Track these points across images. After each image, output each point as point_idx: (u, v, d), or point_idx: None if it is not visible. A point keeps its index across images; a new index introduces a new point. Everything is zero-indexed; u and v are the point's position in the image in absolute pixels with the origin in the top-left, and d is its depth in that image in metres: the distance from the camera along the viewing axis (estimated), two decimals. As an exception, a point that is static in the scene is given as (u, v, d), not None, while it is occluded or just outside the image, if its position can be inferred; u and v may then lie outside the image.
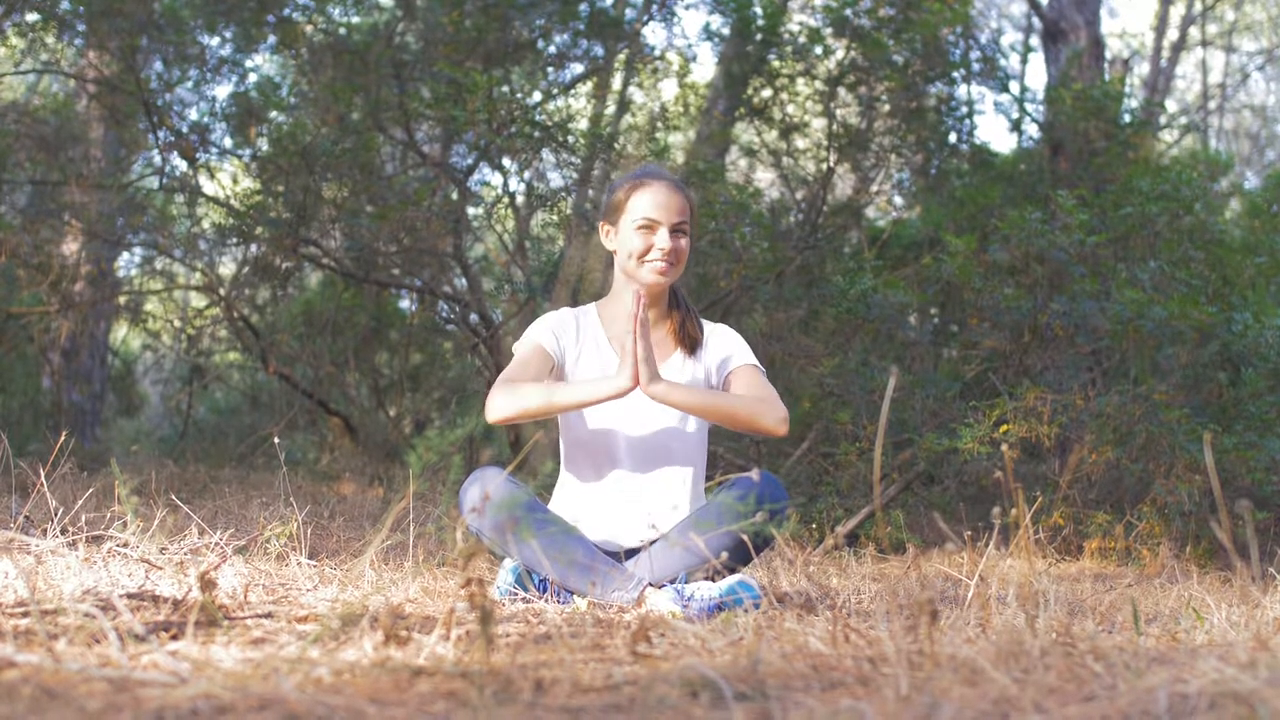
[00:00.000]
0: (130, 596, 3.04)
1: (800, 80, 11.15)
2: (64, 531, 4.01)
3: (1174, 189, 8.78)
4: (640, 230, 4.39)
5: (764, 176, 13.39)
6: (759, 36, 10.95)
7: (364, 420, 11.86)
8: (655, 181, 4.48)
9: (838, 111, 11.00)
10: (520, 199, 10.55)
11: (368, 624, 2.65)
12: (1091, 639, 2.76)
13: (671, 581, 4.04)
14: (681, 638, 2.87)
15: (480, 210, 10.92)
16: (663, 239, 4.38)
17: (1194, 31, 23.79)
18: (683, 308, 4.67)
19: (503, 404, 4.18)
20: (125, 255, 13.27)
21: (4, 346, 11.76)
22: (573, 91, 11.98)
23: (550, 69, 11.65)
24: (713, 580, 4.00)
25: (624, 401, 4.30)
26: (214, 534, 4.03)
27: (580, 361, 4.48)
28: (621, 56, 12.10)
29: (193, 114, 11.19)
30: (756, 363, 4.54)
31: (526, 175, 10.45)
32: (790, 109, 11.39)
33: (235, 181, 11.37)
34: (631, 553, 4.31)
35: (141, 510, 4.03)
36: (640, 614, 3.61)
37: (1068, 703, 2.20)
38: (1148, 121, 12.23)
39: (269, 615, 3.05)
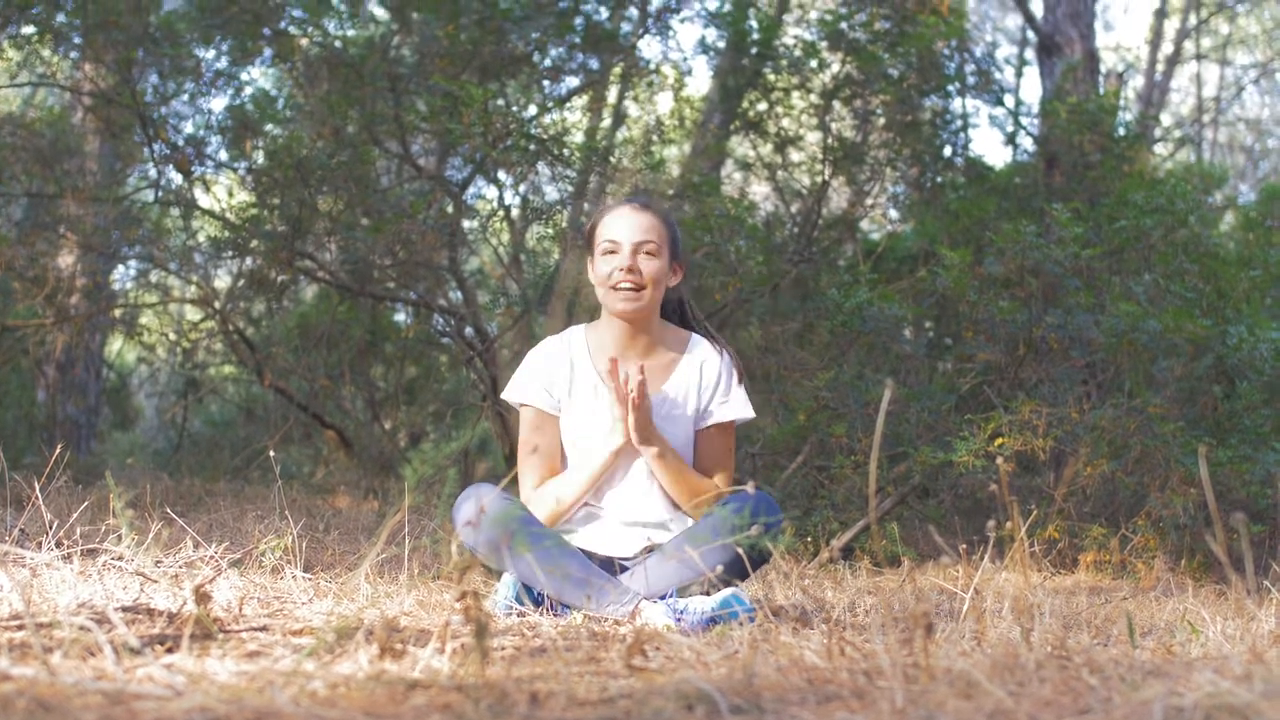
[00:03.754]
0: (125, 610, 3.04)
1: (795, 94, 11.17)
2: (59, 545, 4.01)
3: (1168, 202, 8.79)
4: (604, 255, 4.42)
5: (759, 190, 13.40)
6: (754, 50, 10.97)
7: (359, 433, 11.85)
8: (621, 206, 4.51)
9: (832, 125, 11.00)
10: (516, 212, 10.55)
11: (363, 637, 2.66)
12: (1087, 652, 2.76)
13: (665, 596, 4.05)
14: (677, 651, 2.87)
15: (476, 223, 10.94)
16: (622, 259, 4.37)
17: (1188, 45, 23.83)
18: (689, 322, 4.70)
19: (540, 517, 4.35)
20: (120, 268, 13.27)
21: (-1, 359, 11.75)
22: (568, 105, 11.99)
23: (546, 82, 11.65)
24: (707, 595, 4.01)
25: (614, 415, 4.34)
26: (209, 547, 4.03)
27: (574, 397, 4.50)
28: (617, 70, 12.11)
29: (188, 127, 11.19)
30: (736, 416, 4.59)
31: (522, 188, 10.45)
32: (785, 122, 11.41)
33: (230, 194, 11.37)
34: (626, 565, 4.32)
35: (136, 523, 4.03)
36: (635, 627, 3.61)
37: (1063, 716, 2.20)
38: (1142, 135, 12.25)
39: (264, 628, 3.05)
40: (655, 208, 4.51)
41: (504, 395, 4.61)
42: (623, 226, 4.41)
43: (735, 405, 4.55)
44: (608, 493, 4.44)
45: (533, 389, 4.50)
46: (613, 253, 4.39)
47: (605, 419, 4.41)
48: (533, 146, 9.29)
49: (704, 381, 4.53)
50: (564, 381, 4.49)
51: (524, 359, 4.61)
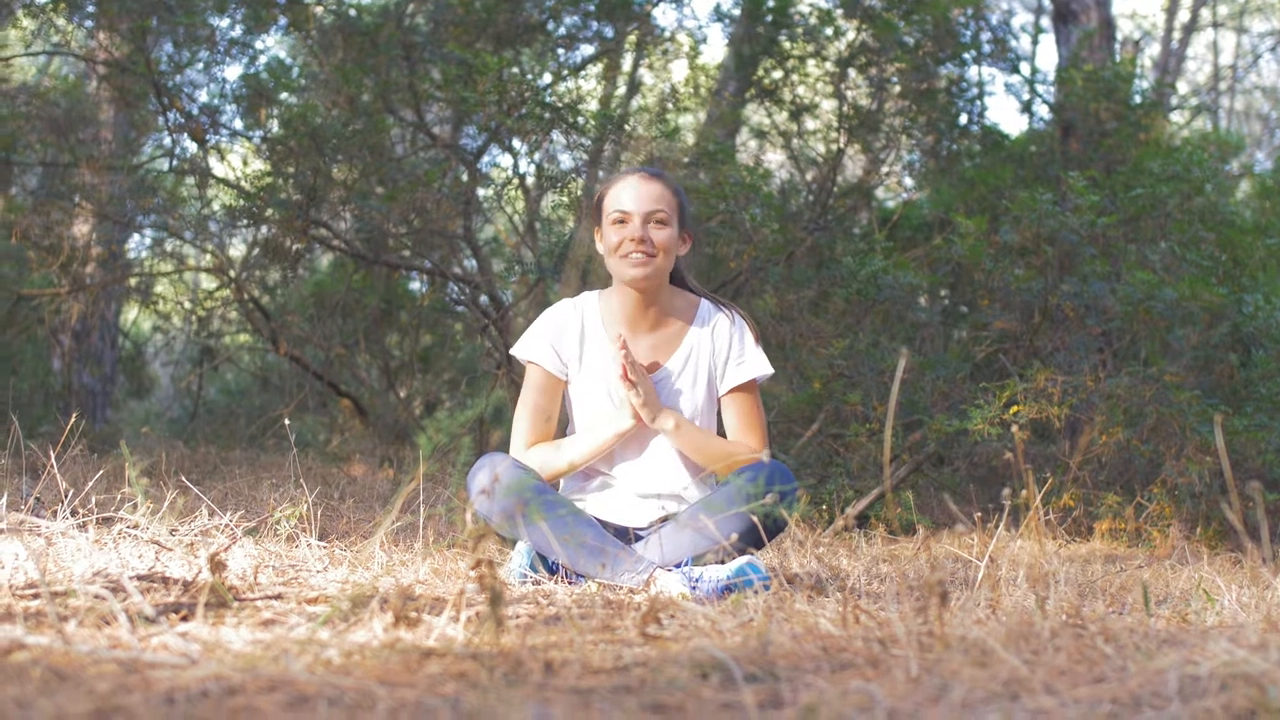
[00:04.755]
0: (140, 578, 3.04)
1: (810, 61, 11.14)
2: (74, 513, 4.02)
3: (1184, 170, 8.77)
4: (614, 225, 4.40)
5: (774, 158, 13.39)
6: (769, 18, 10.94)
7: (374, 402, 11.87)
8: (628, 175, 4.49)
9: (848, 93, 10.98)
10: (530, 180, 10.55)
11: (377, 605, 2.66)
12: (1102, 620, 2.76)
13: (679, 565, 4.05)
14: (691, 619, 2.87)
15: (490, 192, 10.93)
16: (633, 229, 4.36)
17: (1205, 13, 23.77)
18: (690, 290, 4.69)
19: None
20: (135, 237, 13.29)
21: (15, 328, 11.77)
22: (583, 73, 11.98)
23: (560, 50, 11.64)
24: (722, 563, 4.00)
25: (619, 397, 4.35)
26: (224, 516, 4.04)
27: (584, 364, 4.50)
28: (631, 38, 12.09)
29: (203, 96, 11.18)
30: (757, 375, 4.55)
31: (536, 157, 10.45)
32: (800, 90, 11.38)
33: (245, 163, 11.35)
34: (641, 534, 4.32)
35: (151, 492, 4.04)
36: (650, 596, 3.61)
37: (1078, 684, 2.20)
38: (1158, 103, 12.20)
39: (279, 597, 3.06)
40: (663, 177, 4.50)
41: (513, 350, 4.61)
42: (632, 196, 4.40)
43: (752, 364, 4.53)
44: (623, 464, 4.44)
45: (541, 348, 4.50)
46: (622, 223, 4.38)
47: (616, 389, 4.41)
48: (547, 115, 9.27)
49: (716, 347, 4.53)
50: (574, 347, 4.49)
51: (537, 318, 4.62)
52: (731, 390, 4.51)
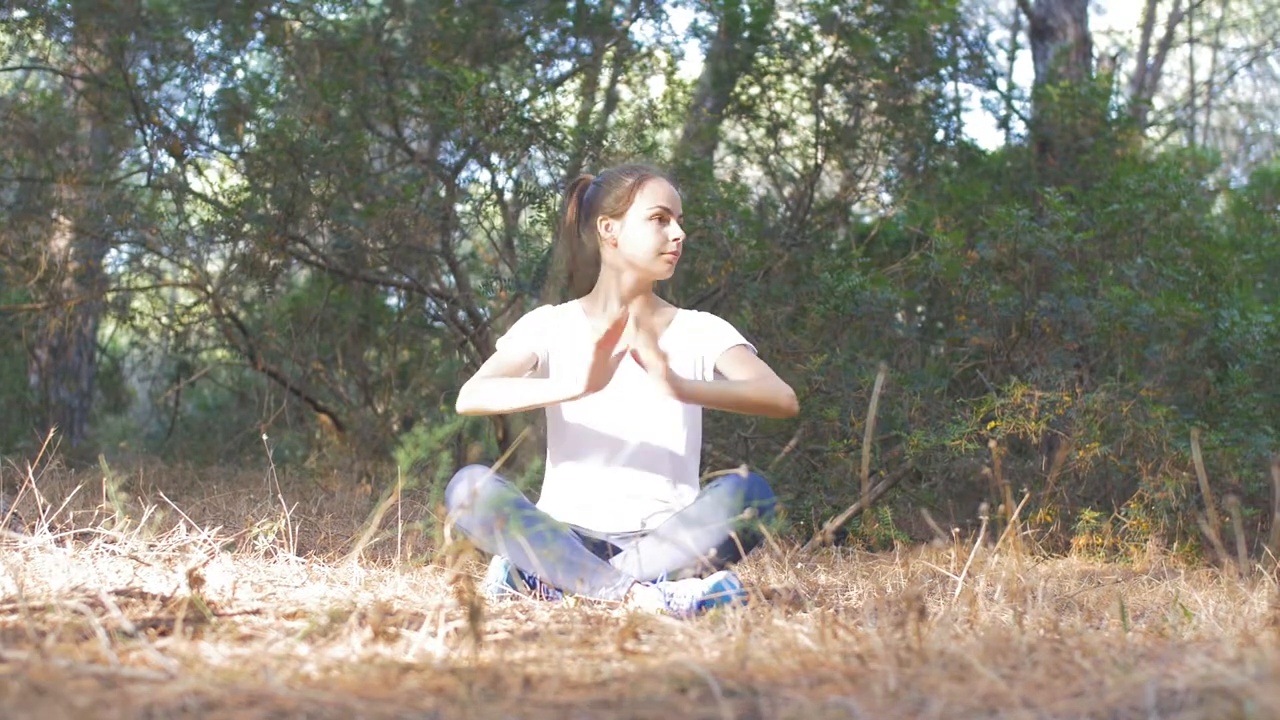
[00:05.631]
0: (118, 593, 3.03)
1: (788, 77, 11.16)
2: (52, 528, 4.00)
3: (1161, 186, 8.80)
4: (653, 221, 4.43)
5: (751, 174, 13.40)
6: (747, 34, 10.96)
7: (352, 417, 11.84)
8: (658, 175, 4.54)
9: (825, 109, 11.00)
10: (508, 196, 10.54)
11: (356, 620, 2.65)
12: (1079, 635, 2.77)
13: (657, 579, 4.04)
14: (670, 634, 2.87)
15: (468, 207, 10.92)
16: (675, 229, 4.44)
17: (1181, 29, 23.83)
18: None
19: (464, 400, 4.29)
20: (113, 252, 13.26)
21: (-8, 344, 11.76)
22: (561, 88, 11.98)
23: (538, 66, 11.66)
24: (699, 578, 4.00)
25: (582, 364, 4.30)
26: (202, 531, 4.02)
27: (563, 357, 4.49)
28: (609, 54, 12.11)
29: (180, 111, 11.17)
30: (746, 342, 4.56)
31: (514, 172, 10.46)
32: (778, 106, 11.40)
33: (223, 178, 11.33)
34: (620, 548, 4.32)
35: (129, 507, 4.02)
36: (628, 611, 3.61)
37: (1056, 698, 2.21)
38: (1135, 118, 12.24)
39: (257, 612, 3.05)
40: (675, 180, 4.61)
41: (498, 344, 4.61)
42: (669, 195, 4.48)
43: (736, 334, 4.60)
44: (612, 464, 4.43)
45: (523, 327, 4.58)
46: (664, 220, 4.45)
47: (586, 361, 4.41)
48: (525, 130, 9.28)
49: (696, 325, 4.61)
50: (553, 337, 4.53)
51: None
52: (726, 351, 4.52)
